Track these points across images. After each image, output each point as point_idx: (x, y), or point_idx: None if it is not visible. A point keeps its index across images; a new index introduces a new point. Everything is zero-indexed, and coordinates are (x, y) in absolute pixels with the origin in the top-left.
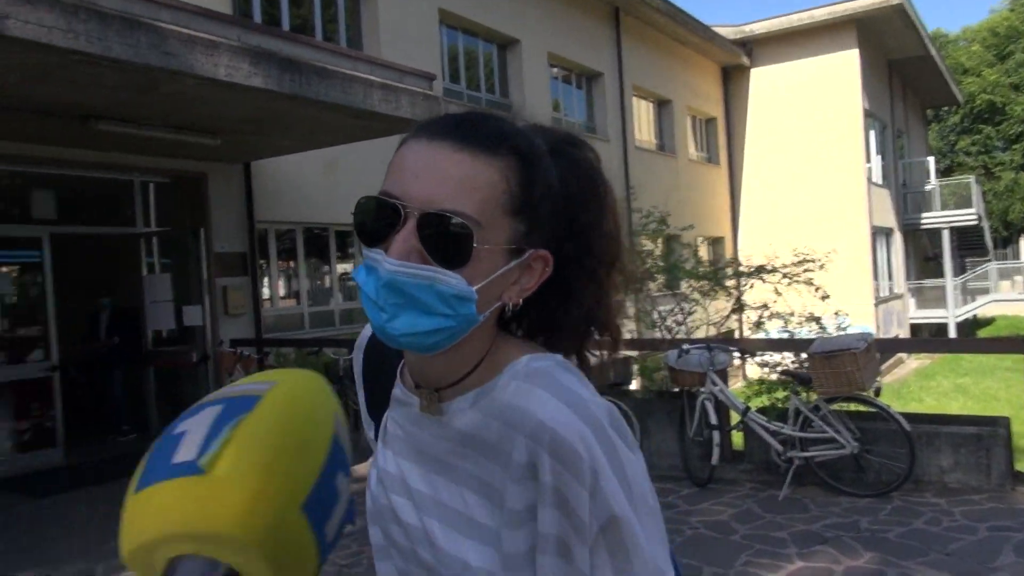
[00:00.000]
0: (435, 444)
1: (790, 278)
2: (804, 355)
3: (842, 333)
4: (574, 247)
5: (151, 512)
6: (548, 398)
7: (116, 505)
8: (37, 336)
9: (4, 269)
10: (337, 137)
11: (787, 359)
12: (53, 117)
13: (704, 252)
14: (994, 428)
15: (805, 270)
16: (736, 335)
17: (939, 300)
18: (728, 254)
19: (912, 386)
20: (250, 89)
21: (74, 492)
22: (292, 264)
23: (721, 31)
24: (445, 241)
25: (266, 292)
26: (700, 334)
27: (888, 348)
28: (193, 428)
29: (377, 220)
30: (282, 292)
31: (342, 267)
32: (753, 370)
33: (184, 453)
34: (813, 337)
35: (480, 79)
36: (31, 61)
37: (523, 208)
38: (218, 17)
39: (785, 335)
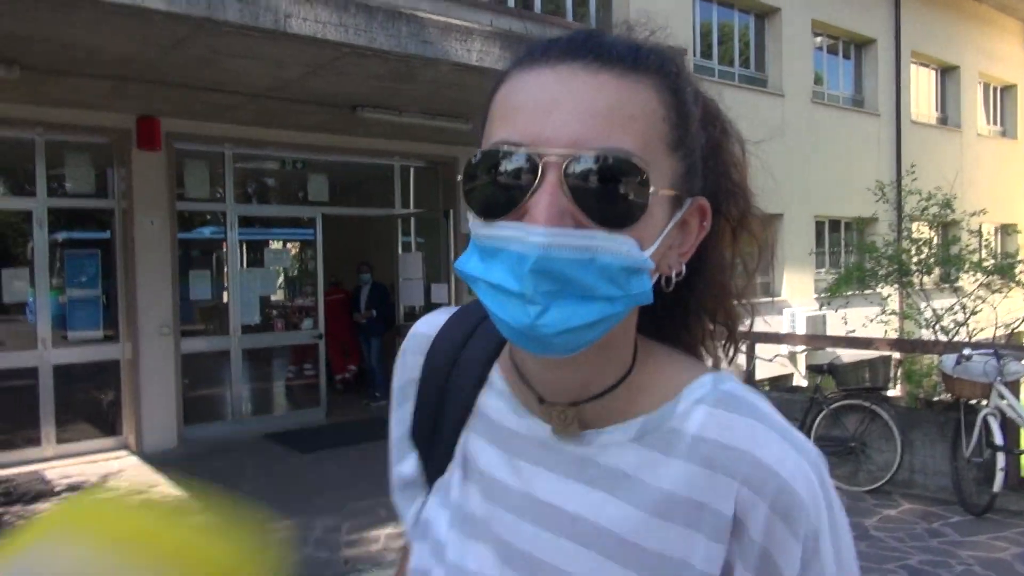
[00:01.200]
0: (552, 485)
1: None
2: None
3: None
4: (711, 199)
5: None
6: (768, 434)
7: (367, 465)
8: (309, 306)
9: (287, 246)
10: None
11: None
12: (326, 107)
13: (993, 241)
14: None
15: None
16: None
17: None
18: (1023, 244)
19: None
20: (500, 73)
21: (332, 450)
22: None
23: None
24: (608, 193)
25: None
26: (981, 337)
27: None
28: None
29: (501, 182)
30: None
31: None
32: None
33: None
34: None
35: (735, 53)
36: (308, 55)
37: (683, 141)
38: (472, 3)
39: None
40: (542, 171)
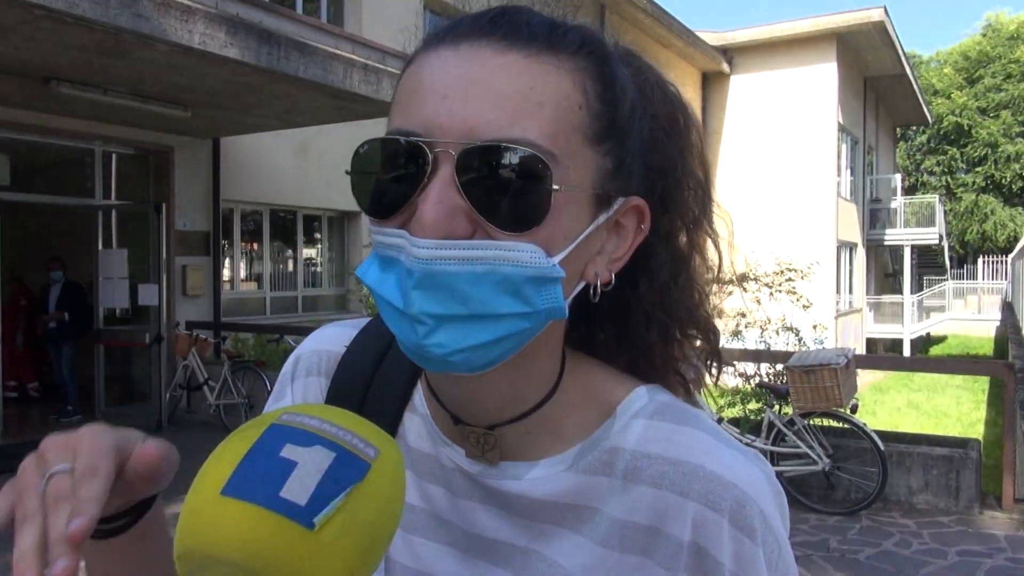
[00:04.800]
0: (493, 521)
1: (771, 287)
2: (780, 367)
3: (820, 347)
4: (659, 197)
5: (245, 533)
6: (714, 442)
7: None
8: None
9: None
10: (312, 117)
11: (762, 370)
12: (11, 76)
13: None
14: (965, 450)
15: (787, 279)
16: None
17: (896, 316)
18: None
19: (866, 400)
20: (225, 60)
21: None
22: (255, 247)
23: (704, 36)
24: (505, 189)
25: (227, 274)
26: None
27: (867, 365)
28: (304, 465)
29: (392, 176)
30: (243, 275)
31: (308, 252)
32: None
33: (294, 492)
34: (791, 350)
35: None
36: None
37: (609, 133)
38: None
39: (761, 345)
40: (433, 163)
